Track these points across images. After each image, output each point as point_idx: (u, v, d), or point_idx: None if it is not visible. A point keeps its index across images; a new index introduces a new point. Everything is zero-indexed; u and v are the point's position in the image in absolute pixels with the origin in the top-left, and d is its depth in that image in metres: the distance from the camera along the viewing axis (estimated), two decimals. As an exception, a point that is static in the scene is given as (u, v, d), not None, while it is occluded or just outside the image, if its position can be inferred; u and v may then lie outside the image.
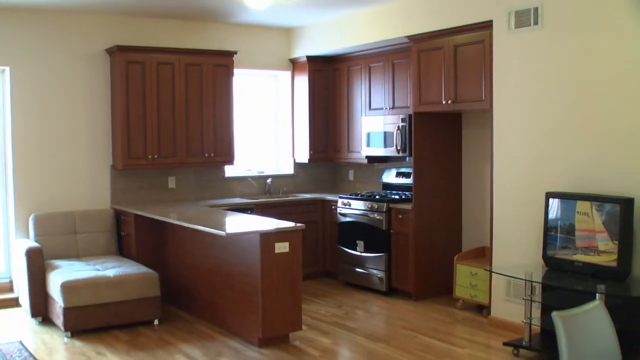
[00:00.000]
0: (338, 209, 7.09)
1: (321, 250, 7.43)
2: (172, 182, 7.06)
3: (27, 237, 6.26)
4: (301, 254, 5.13)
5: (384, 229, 6.51)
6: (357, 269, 6.85)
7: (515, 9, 5.18)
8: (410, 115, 6.40)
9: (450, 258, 6.18)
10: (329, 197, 7.37)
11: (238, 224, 5.50)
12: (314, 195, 7.63)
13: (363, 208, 6.75)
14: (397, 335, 5.32)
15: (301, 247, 5.12)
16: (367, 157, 7.18)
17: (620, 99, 4.56)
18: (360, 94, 7.28)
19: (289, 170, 7.94)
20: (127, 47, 6.47)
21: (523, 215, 5.23)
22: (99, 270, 5.68)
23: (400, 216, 6.41)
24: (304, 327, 5.32)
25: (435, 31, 5.91)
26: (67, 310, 5.27)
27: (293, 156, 7.89)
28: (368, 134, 7.02)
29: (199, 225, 5.21)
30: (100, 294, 5.38)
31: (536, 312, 4.86)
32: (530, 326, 4.74)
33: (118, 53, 6.44)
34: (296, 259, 5.08)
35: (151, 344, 5.17)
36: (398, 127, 6.58)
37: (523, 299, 4.79)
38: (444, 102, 5.93)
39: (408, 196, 6.54)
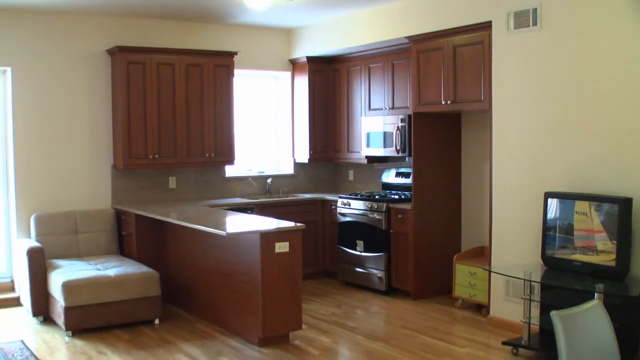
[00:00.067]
0: (338, 208, 7.11)
1: (321, 250, 7.45)
2: (172, 182, 7.08)
3: (29, 236, 6.28)
4: (301, 253, 5.14)
5: (383, 228, 6.54)
6: (357, 269, 6.87)
7: (514, 10, 5.20)
8: (409, 116, 6.42)
9: (449, 258, 6.20)
10: (329, 197, 7.39)
11: (238, 223, 5.52)
12: (314, 195, 7.65)
13: (363, 208, 6.77)
14: (397, 335, 5.34)
15: (301, 247, 5.14)
16: (366, 157, 7.20)
17: (618, 99, 4.58)
18: (360, 94, 7.30)
19: (289, 170, 7.96)
20: (127, 48, 6.50)
21: (522, 215, 5.25)
22: (99, 269, 5.70)
23: (399, 216, 6.43)
24: (304, 326, 5.34)
25: (434, 32, 5.93)
26: (68, 310, 5.29)
27: (293, 156, 7.91)
28: (368, 134, 7.04)
29: (199, 225, 5.23)
30: (101, 294, 5.40)
31: (535, 312, 4.88)
32: (529, 325, 4.75)
33: (119, 54, 6.47)
34: (296, 259, 5.10)
35: (152, 343, 5.19)
36: (397, 127, 6.60)
37: (522, 298, 4.80)
38: (443, 103, 5.96)
39: (407, 196, 6.56)
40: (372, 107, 7.13)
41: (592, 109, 4.74)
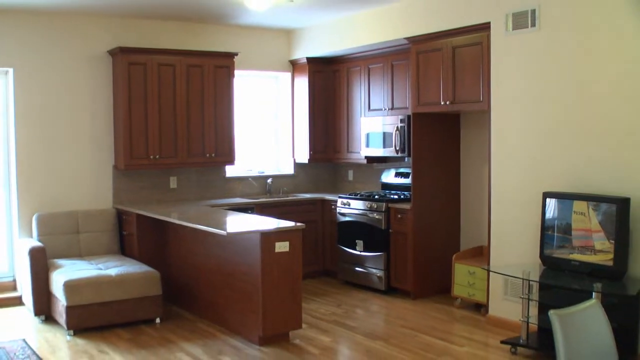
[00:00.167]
0: (338, 208, 7.14)
1: (321, 249, 7.48)
2: (173, 182, 7.11)
3: (31, 236, 6.31)
4: (301, 253, 5.17)
5: (383, 228, 6.57)
6: (357, 268, 6.90)
7: (513, 11, 5.23)
8: (409, 116, 6.44)
9: (448, 257, 6.23)
10: (329, 197, 7.42)
11: (239, 223, 5.54)
12: (313, 195, 7.68)
13: (362, 208, 6.80)
14: (396, 334, 5.37)
15: (301, 247, 5.16)
16: (366, 157, 7.23)
17: (617, 99, 4.60)
18: (359, 94, 7.33)
19: (289, 170, 7.99)
20: (129, 49, 6.53)
21: (521, 215, 5.28)
22: (101, 269, 5.73)
23: (399, 216, 6.46)
24: (304, 325, 5.36)
25: (433, 33, 5.96)
26: (69, 309, 5.32)
27: (293, 156, 7.94)
28: (367, 135, 7.07)
29: (200, 224, 5.26)
30: (103, 293, 5.43)
31: (533, 311, 4.90)
32: (527, 324, 4.78)
33: (120, 54, 6.50)
34: (296, 258, 5.12)
35: (153, 342, 5.21)
36: (397, 127, 6.63)
37: (520, 297, 4.82)
38: (442, 103, 5.98)
39: (407, 196, 6.59)
40: (371, 108, 7.16)
41: (591, 110, 4.76)
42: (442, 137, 6.52)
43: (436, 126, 6.46)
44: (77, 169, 6.62)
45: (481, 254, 6.14)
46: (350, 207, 6.96)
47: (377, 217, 6.62)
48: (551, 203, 4.85)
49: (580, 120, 4.83)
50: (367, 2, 6.30)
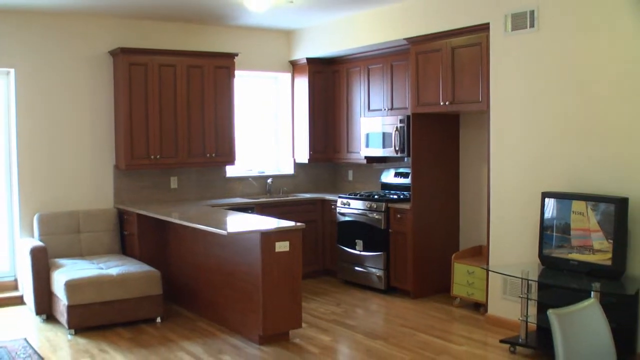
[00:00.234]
0: (337, 208, 7.17)
1: (321, 249, 7.50)
2: (174, 182, 7.13)
3: (32, 236, 6.34)
4: (301, 252, 5.19)
5: (382, 228, 6.59)
6: (356, 268, 6.93)
7: (511, 12, 5.24)
8: (408, 116, 6.46)
9: (447, 257, 6.25)
10: (329, 196, 7.44)
11: (239, 223, 5.56)
12: (313, 195, 7.70)
13: (362, 208, 6.82)
14: (396, 333, 5.39)
15: (301, 246, 5.18)
16: (366, 157, 7.25)
17: (616, 100, 4.62)
18: (359, 95, 7.35)
19: (289, 170, 8.01)
20: (129, 49, 6.55)
21: (519, 215, 5.30)
22: (102, 268, 5.75)
23: (398, 216, 6.48)
24: (303, 324, 5.38)
25: (433, 33, 5.98)
26: (71, 308, 5.34)
27: (293, 156, 7.96)
28: (367, 135, 7.09)
29: (200, 224, 5.27)
30: (104, 292, 5.45)
31: (532, 310, 4.92)
32: (526, 324, 4.80)
33: (121, 55, 6.52)
34: (296, 258, 5.14)
35: (153, 341, 5.23)
36: (396, 127, 6.65)
37: (519, 297, 4.84)
38: (441, 104, 6.01)
39: (406, 196, 6.61)
40: (371, 108, 7.18)
41: (590, 110, 4.78)
42: (442, 137, 6.54)
43: (435, 126, 6.48)
44: (78, 169, 6.65)
45: (480, 253, 6.17)
46: (350, 207, 6.99)
47: (376, 217, 6.64)
48: (550, 203, 4.87)
49: (579, 120, 4.85)
50: (367, 2, 6.32)
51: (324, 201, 7.48)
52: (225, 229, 5.04)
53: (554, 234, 4.83)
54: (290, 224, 5.26)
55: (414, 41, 6.22)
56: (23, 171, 6.39)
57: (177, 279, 6.28)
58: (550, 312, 2.66)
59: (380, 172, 7.34)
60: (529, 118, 5.21)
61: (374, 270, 6.71)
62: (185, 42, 7.08)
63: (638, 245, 4.50)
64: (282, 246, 5.04)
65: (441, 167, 6.54)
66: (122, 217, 6.62)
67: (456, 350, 4.94)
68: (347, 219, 7.02)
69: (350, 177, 8.00)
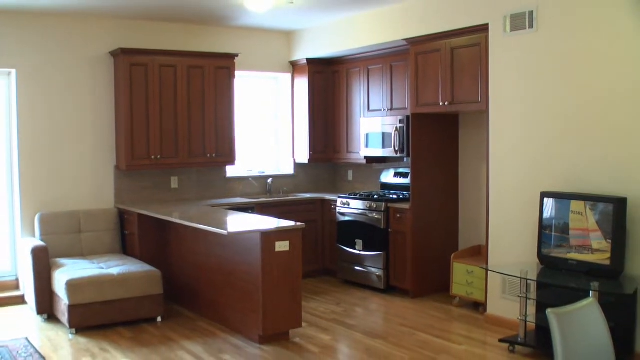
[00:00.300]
0: (337, 208, 7.18)
1: (321, 249, 7.52)
2: (174, 182, 7.15)
3: (33, 236, 6.36)
4: (301, 252, 5.20)
5: (382, 228, 6.61)
6: (356, 267, 6.94)
7: (510, 13, 5.26)
8: (408, 117, 6.48)
9: (447, 256, 6.27)
10: (329, 196, 7.46)
11: (239, 223, 5.58)
12: (313, 195, 7.72)
13: (362, 207, 6.84)
14: (395, 332, 5.41)
15: (301, 246, 5.20)
16: (365, 157, 7.27)
17: (615, 100, 4.63)
18: (359, 95, 7.37)
19: (289, 170, 8.03)
20: (130, 50, 6.57)
21: (518, 215, 5.31)
22: (103, 268, 5.77)
23: (398, 215, 6.50)
24: (303, 324, 5.40)
25: (432, 34, 6.00)
26: (72, 308, 5.36)
27: (293, 156, 7.98)
28: (367, 135, 7.11)
29: (201, 224, 5.29)
30: (105, 292, 5.46)
31: (531, 310, 4.94)
32: (525, 323, 4.82)
33: (122, 56, 6.54)
34: (296, 258, 5.16)
35: (154, 340, 5.25)
36: (396, 128, 6.67)
37: (518, 296, 4.86)
38: (441, 104, 6.03)
39: (406, 196, 6.63)
40: (371, 108, 7.20)
41: (589, 110, 4.79)
42: (441, 138, 6.56)
43: (435, 126, 6.50)
44: (79, 169, 6.67)
45: (479, 253, 6.19)
46: (349, 207, 7.00)
47: (376, 216, 6.66)
48: (549, 203, 4.89)
49: (578, 120, 4.87)
50: (367, 3, 6.33)
51: (323, 201, 7.50)
52: (226, 229, 5.06)
53: (553, 233, 4.85)
54: (290, 223, 5.28)
55: (413, 42, 6.23)
56: (24, 171, 6.41)
57: (177, 278, 6.30)
58: (549, 312, 2.67)
59: (380, 172, 7.36)
60: (528, 118, 5.23)
61: (373, 269, 6.73)
62: (185, 42, 7.10)
63: (636, 245, 4.52)
64: (282, 246, 5.06)
65: (441, 167, 6.55)
66: (122, 217, 6.64)
67: (455, 350, 4.96)
68: (346, 218, 7.04)
69: (350, 177, 8.02)
